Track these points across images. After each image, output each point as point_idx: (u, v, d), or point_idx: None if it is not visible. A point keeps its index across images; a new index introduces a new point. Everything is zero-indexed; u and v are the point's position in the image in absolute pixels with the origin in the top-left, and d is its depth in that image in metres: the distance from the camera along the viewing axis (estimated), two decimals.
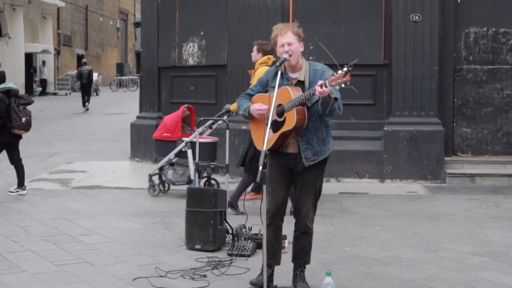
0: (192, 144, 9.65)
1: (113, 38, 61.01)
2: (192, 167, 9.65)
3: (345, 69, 5.28)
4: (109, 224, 8.58)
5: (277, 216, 5.80)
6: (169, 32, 13.92)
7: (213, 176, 10.37)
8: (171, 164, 10.33)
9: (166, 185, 10.51)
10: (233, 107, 9.58)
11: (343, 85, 5.31)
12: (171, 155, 10.26)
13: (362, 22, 11.80)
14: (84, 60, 34.78)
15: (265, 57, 9.27)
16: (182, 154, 10.18)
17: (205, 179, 10.21)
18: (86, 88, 30.60)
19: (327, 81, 5.31)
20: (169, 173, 10.30)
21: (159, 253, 7.20)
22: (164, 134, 10.36)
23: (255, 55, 9.45)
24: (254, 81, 9.04)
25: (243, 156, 9.24)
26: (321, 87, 5.30)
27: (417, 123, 11.62)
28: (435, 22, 11.64)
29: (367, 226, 8.52)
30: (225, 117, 9.37)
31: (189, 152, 9.85)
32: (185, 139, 10.11)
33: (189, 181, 9.90)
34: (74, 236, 7.97)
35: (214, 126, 10.29)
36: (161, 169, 10.40)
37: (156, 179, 10.47)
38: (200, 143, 8.59)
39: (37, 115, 26.79)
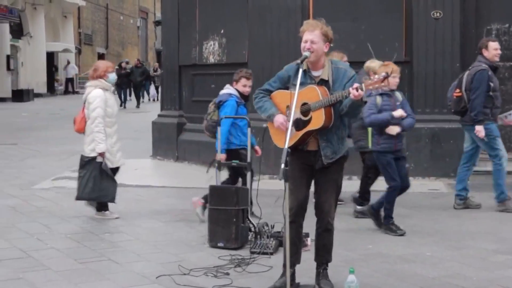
0: None
1: (133, 37, 61.24)
2: None
3: (383, 74, 5.30)
4: (131, 222, 8.63)
5: (299, 213, 5.82)
6: (190, 30, 13.95)
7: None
8: None
9: None
10: None
11: (380, 90, 5.34)
12: None
13: (383, 19, 11.77)
14: (126, 59, 35.23)
15: None
16: None
17: None
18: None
19: (363, 85, 5.31)
20: None
21: (182, 251, 7.23)
22: None
23: None
24: None
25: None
26: (357, 90, 5.30)
27: (439, 120, 11.57)
28: (456, 19, 11.58)
29: None
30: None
31: None
32: None
33: None
34: (97, 234, 8.02)
35: None
36: None
37: None
38: None
39: (58, 113, 27.05)
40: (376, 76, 5.30)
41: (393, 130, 7.89)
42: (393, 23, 11.76)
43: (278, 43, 11.78)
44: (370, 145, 8.46)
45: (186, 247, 7.43)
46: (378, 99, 7.85)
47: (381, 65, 8.25)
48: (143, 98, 34.32)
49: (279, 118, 5.71)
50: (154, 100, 36.46)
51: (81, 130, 8.86)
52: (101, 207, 8.91)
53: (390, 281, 6.21)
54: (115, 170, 8.93)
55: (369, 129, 8.46)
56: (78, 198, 8.81)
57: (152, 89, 37.90)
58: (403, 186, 8.16)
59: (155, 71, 38.17)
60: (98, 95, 8.69)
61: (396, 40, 11.73)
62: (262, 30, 12.15)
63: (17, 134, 11.63)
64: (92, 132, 8.64)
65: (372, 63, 8.78)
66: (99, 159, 8.60)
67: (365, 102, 5.47)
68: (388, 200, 8.11)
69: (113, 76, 8.96)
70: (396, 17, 11.77)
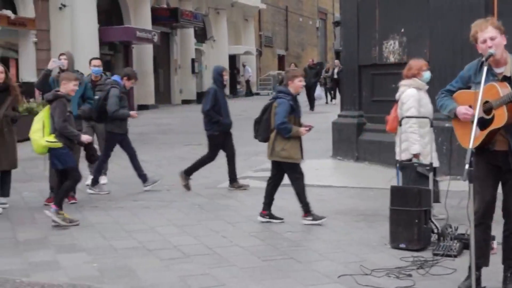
0: None
1: (312, 38, 61.76)
2: None
3: None
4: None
5: (486, 215, 5.65)
6: (369, 30, 13.89)
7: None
8: None
9: None
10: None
11: None
12: None
13: None
14: (312, 58, 34.71)
15: None
16: None
17: None
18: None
19: None
20: None
21: (363, 251, 7.24)
22: None
23: None
24: None
25: None
26: None
27: None
28: None
29: None
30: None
31: None
32: None
33: None
34: (280, 232, 8.18)
35: None
36: None
37: None
38: None
39: (241, 115, 27.75)
40: None
41: None
42: None
43: (460, 41, 11.44)
44: None
45: (367, 247, 7.43)
46: None
47: None
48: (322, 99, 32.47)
49: (461, 109, 5.55)
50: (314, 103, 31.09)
51: (393, 130, 8.74)
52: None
53: None
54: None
55: None
56: None
57: (317, 90, 31.94)
58: None
59: (326, 71, 36.62)
60: (412, 95, 8.51)
61: None
62: (444, 28, 11.89)
63: (203, 135, 12.11)
64: (405, 133, 8.39)
65: None
66: (414, 161, 8.36)
67: None
68: None
69: (427, 75, 8.69)
70: None
